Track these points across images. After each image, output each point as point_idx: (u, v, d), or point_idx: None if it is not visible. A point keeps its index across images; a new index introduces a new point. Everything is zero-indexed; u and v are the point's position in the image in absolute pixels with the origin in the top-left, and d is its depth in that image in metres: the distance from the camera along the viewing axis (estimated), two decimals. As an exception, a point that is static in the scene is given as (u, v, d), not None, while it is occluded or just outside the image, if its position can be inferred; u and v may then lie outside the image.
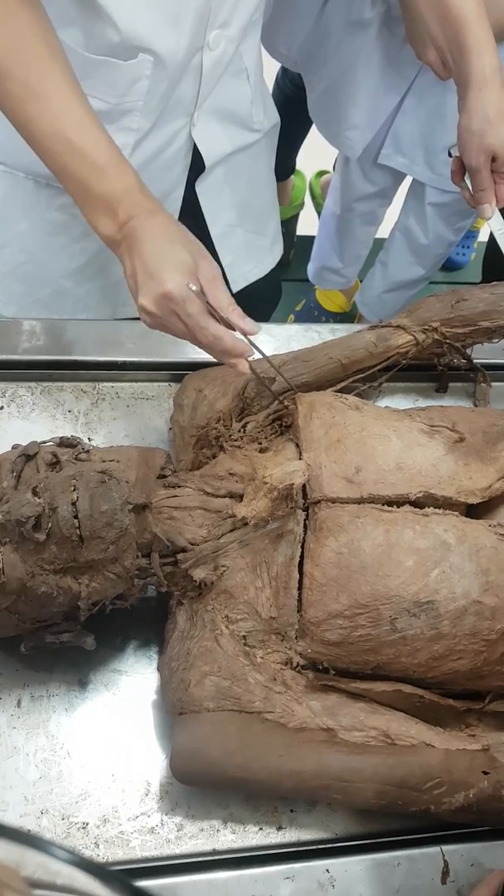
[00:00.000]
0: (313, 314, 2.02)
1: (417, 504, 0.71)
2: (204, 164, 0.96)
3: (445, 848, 0.68)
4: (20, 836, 0.27)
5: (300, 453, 0.73)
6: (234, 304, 0.68)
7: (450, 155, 0.89)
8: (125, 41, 0.75)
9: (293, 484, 0.66)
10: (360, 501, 0.70)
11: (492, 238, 0.92)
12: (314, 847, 0.69)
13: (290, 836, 0.69)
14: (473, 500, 0.73)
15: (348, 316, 2.02)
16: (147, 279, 0.66)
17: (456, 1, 0.80)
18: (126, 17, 0.73)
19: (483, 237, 2.24)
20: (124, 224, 0.68)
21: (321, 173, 2.22)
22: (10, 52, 0.66)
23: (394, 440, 0.73)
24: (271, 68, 1.31)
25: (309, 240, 1.94)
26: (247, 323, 0.68)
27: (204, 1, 0.77)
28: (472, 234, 2.23)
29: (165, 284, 0.64)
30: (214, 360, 0.88)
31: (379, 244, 1.75)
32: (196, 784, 0.68)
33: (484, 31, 0.80)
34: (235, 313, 0.67)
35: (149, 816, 0.69)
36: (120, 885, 0.28)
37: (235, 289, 1.10)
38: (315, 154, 1.93)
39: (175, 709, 0.67)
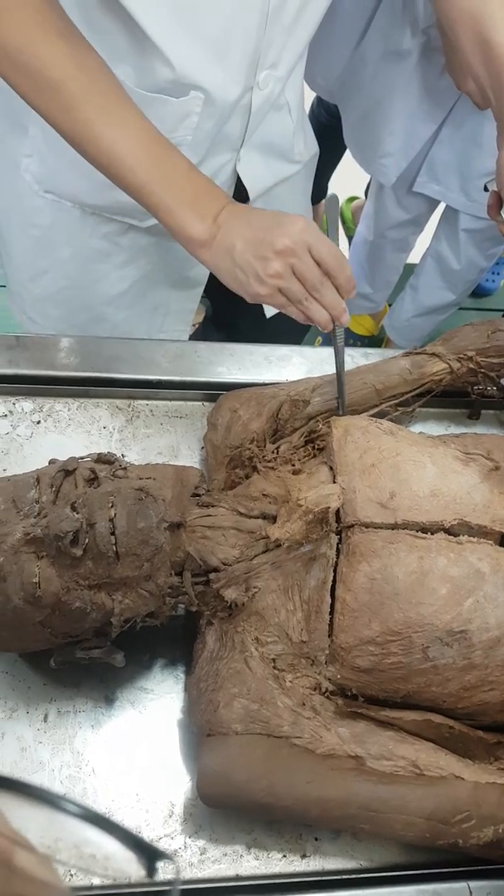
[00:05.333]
0: (341, 337, 2.02)
1: (451, 532, 0.71)
2: (245, 192, 0.97)
3: (472, 884, 0.67)
4: (29, 790, 0.28)
5: (334, 477, 0.72)
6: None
7: (486, 189, 0.90)
8: (179, 79, 0.77)
9: (328, 507, 0.67)
10: (393, 527, 0.69)
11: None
12: (338, 877, 0.68)
13: (314, 864, 0.68)
14: (508, 530, 0.72)
15: (376, 339, 2.02)
16: (265, 235, 0.68)
17: (499, 38, 0.80)
18: (180, 55, 0.75)
19: (512, 265, 2.24)
20: (216, 216, 0.71)
21: (352, 199, 2.24)
22: (88, 83, 0.69)
23: (428, 466, 0.73)
24: (307, 97, 1.32)
25: (339, 264, 1.95)
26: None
27: (255, 42, 0.78)
28: (502, 260, 2.23)
29: (289, 234, 0.67)
30: (248, 381, 0.90)
31: (409, 269, 1.76)
32: (221, 807, 0.67)
33: None
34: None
35: (172, 839, 0.68)
36: (123, 835, 0.29)
37: (269, 314, 1.11)
38: (346, 180, 1.95)
39: (203, 730, 0.67)
